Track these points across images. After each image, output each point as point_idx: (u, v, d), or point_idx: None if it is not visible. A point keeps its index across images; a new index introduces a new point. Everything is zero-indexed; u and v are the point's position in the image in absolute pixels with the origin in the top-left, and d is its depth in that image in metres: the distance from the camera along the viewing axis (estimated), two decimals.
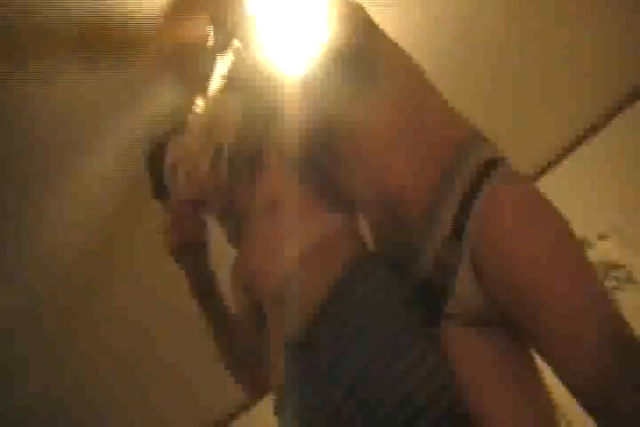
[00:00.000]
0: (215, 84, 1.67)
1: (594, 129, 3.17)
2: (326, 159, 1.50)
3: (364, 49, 1.41)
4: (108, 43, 1.83)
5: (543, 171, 3.26)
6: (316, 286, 1.31)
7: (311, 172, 1.54)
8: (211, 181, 1.58)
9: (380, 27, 1.52)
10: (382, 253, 1.41)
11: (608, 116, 3.14)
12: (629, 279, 2.89)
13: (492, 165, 1.28)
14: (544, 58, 2.70)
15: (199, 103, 1.69)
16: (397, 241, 1.35)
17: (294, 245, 1.40)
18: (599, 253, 2.98)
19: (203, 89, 1.70)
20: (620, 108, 3.13)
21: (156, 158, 1.68)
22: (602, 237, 2.99)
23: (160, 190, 1.68)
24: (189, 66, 1.78)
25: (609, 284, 2.91)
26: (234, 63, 1.65)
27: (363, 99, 1.40)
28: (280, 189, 1.52)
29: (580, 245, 1.20)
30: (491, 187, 1.23)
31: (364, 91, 1.39)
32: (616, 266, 2.93)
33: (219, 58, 1.67)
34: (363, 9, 1.51)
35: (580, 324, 1.08)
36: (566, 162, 3.22)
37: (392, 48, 1.49)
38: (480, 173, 1.25)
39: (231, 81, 1.64)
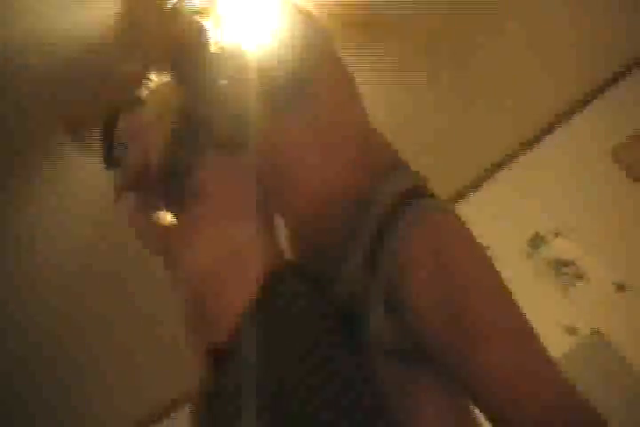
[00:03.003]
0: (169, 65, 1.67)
1: (549, 128, 3.22)
2: (260, 154, 1.47)
3: (300, 70, 1.38)
4: None
5: (499, 168, 3.29)
6: (232, 298, 1.27)
7: (243, 167, 1.52)
8: (156, 165, 1.57)
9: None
10: (302, 266, 1.35)
11: (562, 116, 3.19)
12: (580, 275, 2.94)
13: (411, 194, 1.21)
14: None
15: (153, 79, 1.68)
16: (316, 262, 1.31)
17: (211, 246, 1.38)
18: (552, 249, 3.04)
19: (158, 63, 1.69)
20: (574, 110, 3.18)
21: (109, 128, 1.66)
22: (555, 234, 3.04)
23: (110, 160, 1.67)
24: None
25: (561, 280, 2.97)
26: (189, 52, 1.65)
27: (282, 117, 1.37)
28: (206, 182, 1.51)
29: (499, 280, 1.12)
30: (407, 220, 1.15)
31: (288, 103, 1.36)
32: (567, 262, 2.98)
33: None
34: (317, 18, 1.50)
35: (501, 362, 1.04)
36: (522, 160, 3.27)
37: (337, 61, 1.43)
38: (396, 204, 1.18)
39: (183, 69, 1.62)
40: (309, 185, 1.31)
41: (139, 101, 1.66)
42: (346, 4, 2.06)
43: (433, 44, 2.48)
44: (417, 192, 1.23)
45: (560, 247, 3.03)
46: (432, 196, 1.27)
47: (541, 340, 1.07)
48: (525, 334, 1.08)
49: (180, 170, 1.58)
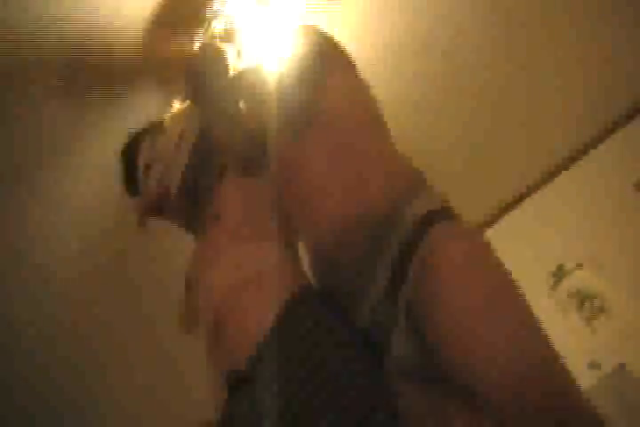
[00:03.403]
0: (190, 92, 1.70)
1: (572, 159, 3.21)
2: (280, 179, 1.47)
3: (309, 92, 1.39)
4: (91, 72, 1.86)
5: (522, 199, 3.28)
6: (252, 324, 1.27)
7: (264, 190, 1.52)
8: (177, 188, 1.59)
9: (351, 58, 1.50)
10: (325, 292, 1.35)
11: (586, 147, 3.18)
12: (603, 308, 2.90)
13: (433, 217, 1.21)
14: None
15: (175, 106, 1.71)
16: (339, 285, 1.31)
17: (232, 269, 1.38)
18: (575, 281, 3.00)
19: (181, 93, 1.72)
20: (597, 141, 3.16)
21: (130, 155, 1.68)
22: (578, 266, 3.01)
23: (132, 187, 1.68)
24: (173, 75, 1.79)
25: (584, 313, 2.93)
26: (207, 77, 1.68)
27: (300, 141, 1.38)
28: (226, 203, 1.52)
29: (524, 302, 1.13)
30: (431, 243, 1.16)
31: (302, 133, 1.38)
32: (591, 295, 2.94)
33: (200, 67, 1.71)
34: (331, 43, 1.50)
35: (522, 387, 1.03)
36: (544, 191, 3.25)
37: (348, 84, 1.45)
38: (420, 227, 1.19)
39: (201, 93, 1.65)
40: (334, 211, 1.30)
41: (160, 127, 1.69)
42: None
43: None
44: (439, 215, 1.23)
45: (583, 280, 2.99)
46: (454, 217, 1.27)
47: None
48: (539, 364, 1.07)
49: (200, 192, 1.60)
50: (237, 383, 1.23)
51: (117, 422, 3.16)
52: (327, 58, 1.46)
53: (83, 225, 2.33)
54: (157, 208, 1.62)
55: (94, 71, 1.89)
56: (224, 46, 1.78)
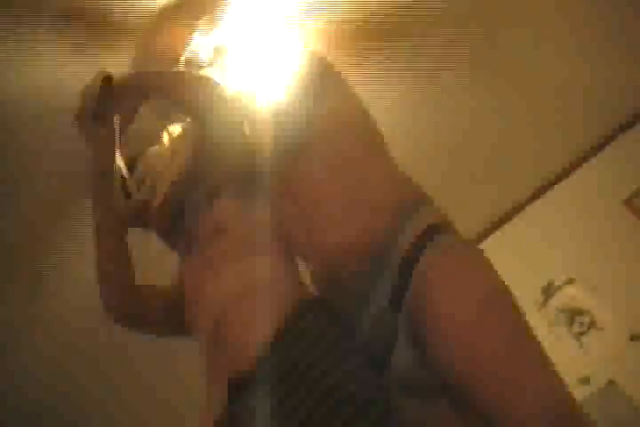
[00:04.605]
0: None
1: (562, 175, 3.23)
2: (279, 197, 1.49)
3: (309, 112, 1.43)
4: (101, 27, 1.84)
5: (512, 215, 3.29)
6: (257, 328, 1.28)
7: (261, 208, 1.54)
8: (160, 203, 1.61)
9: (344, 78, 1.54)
10: (324, 302, 1.38)
11: (575, 164, 3.21)
12: (593, 324, 2.91)
13: (433, 231, 1.25)
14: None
15: (174, 127, 1.74)
16: (340, 299, 1.33)
17: (233, 280, 1.40)
18: (566, 298, 3.01)
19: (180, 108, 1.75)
20: (588, 155, 3.19)
21: (129, 167, 1.71)
22: (568, 282, 3.02)
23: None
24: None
25: (574, 329, 2.93)
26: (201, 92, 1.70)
27: (308, 151, 1.41)
28: (225, 217, 1.54)
29: (520, 314, 1.17)
30: (430, 257, 1.20)
31: (310, 144, 1.41)
32: (581, 311, 2.95)
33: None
34: (329, 67, 1.54)
35: (518, 397, 1.06)
36: (534, 207, 3.27)
37: (346, 106, 1.49)
38: (419, 242, 1.23)
39: (195, 108, 1.67)
40: (336, 226, 1.33)
41: (156, 144, 1.72)
42: None
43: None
44: (438, 229, 1.27)
45: (574, 295, 3.00)
46: (451, 232, 1.31)
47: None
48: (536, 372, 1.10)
49: (186, 210, 1.61)
50: (240, 385, 1.23)
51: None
52: (326, 79, 1.51)
53: None
54: (140, 220, 1.65)
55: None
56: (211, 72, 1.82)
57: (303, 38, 2.01)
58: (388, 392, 1.19)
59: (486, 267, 1.23)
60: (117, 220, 1.61)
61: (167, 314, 1.60)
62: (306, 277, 1.47)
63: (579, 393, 2.74)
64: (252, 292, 1.35)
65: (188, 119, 1.75)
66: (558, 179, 3.23)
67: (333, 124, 1.43)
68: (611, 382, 2.79)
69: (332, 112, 1.45)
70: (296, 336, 1.24)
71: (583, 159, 3.19)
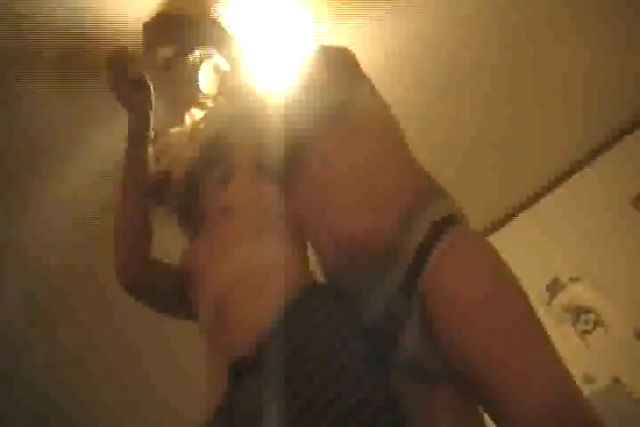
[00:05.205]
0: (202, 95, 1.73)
1: (570, 173, 3.23)
2: (294, 182, 1.50)
3: (337, 94, 1.46)
4: (86, 65, 1.87)
5: (519, 211, 3.29)
6: (260, 311, 1.28)
7: (276, 190, 1.54)
8: (178, 178, 1.62)
9: (366, 72, 1.57)
10: (334, 287, 1.39)
11: (583, 161, 3.19)
12: (599, 322, 2.90)
13: (447, 221, 1.29)
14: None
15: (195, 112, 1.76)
16: (350, 282, 1.34)
17: (240, 260, 1.40)
18: (571, 295, 3.01)
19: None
20: (596, 153, 3.18)
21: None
22: (574, 280, 3.01)
23: None
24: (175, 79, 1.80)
25: (579, 327, 2.93)
26: (218, 78, 1.72)
27: (326, 139, 1.43)
28: (236, 197, 1.54)
29: (529, 304, 1.20)
30: (444, 245, 1.23)
31: (329, 132, 1.43)
32: (586, 309, 2.94)
33: (201, 72, 1.74)
34: (351, 58, 1.56)
35: (524, 385, 1.08)
36: (541, 204, 3.27)
37: (366, 97, 1.52)
38: (435, 230, 1.26)
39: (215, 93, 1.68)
40: (351, 217, 1.34)
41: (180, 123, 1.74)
42: None
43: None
44: (452, 220, 1.30)
45: (579, 293, 3.00)
46: (465, 223, 1.35)
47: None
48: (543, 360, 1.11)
49: (201, 189, 1.62)
50: (242, 370, 1.23)
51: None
52: (355, 70, 1.55)
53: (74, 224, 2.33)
54: (157, 194, 1.66)
55: (91, 66, 1.90)
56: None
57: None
58: (390, 380, 1.21)
59: (497, 257, 1.26)
60: (145, 175, 1.64)
61: (175, 292, 1.60)
62: (315, 266, 1.47)
63: (584, 391, 2.74)
64: (255, 275, 1.35)
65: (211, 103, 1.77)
66: (566, 176, 3.23)
67: (363, 110, 1.47)
68: (616, 381, 2.78)
69: (362, 99, 1.49)
70: (296, 323, 1.24)
71: (591, 157, 3.19)
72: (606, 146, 3.17)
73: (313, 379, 1.14)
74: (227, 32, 1.83)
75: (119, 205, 1.60)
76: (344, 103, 1.45)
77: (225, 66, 1.80)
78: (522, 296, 1.20)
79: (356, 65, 1.57)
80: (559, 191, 3.23)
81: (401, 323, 1.23)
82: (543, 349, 1.14)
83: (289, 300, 1.27)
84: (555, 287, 3.04)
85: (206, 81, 1.77)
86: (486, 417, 1.18)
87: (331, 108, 1.44)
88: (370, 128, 1.45)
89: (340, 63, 1.54)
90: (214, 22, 1.75)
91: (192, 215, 1.61)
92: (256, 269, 1.37)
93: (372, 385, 1.15)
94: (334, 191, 1.38)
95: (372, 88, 1.56)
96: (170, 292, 1.59)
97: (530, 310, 1.19)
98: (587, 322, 2.93)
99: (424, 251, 1.23)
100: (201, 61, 1.76)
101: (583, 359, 2.85)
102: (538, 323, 1.17)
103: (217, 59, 1.82)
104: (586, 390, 2.74)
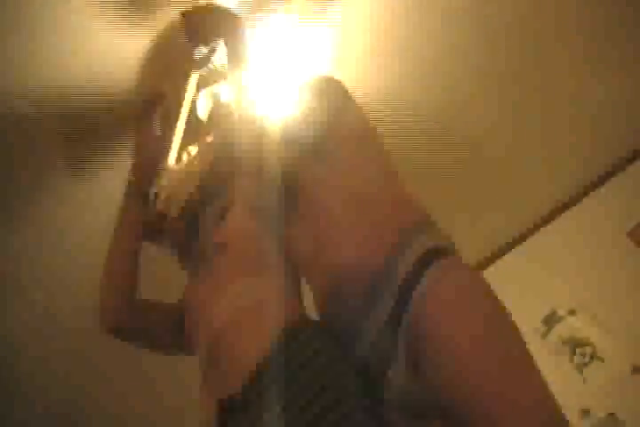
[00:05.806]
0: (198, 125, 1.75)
1: (566, 206, 3.24)
2: (287, 215, 1.51)
3: (324, 126, 1.45)
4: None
5: (515, 244, 3.30)
6: (252, 348, 1.29)
7: (270, 224, 1.55)
8: (178, 218, 1.63)
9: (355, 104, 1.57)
10: (325, 323, 1.38)
11: (580, 194, 3.21)
12: (595, 356, 2.89)
13: (435, 254, 1.26)
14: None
15: (192, 148, 1.77)
16: (339, 317, 1.33)
17: (233, 297, 1.41)
18: (568, 328, 3.00)
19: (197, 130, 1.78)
20: (593, 186, 3.20)
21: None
22: (571, 313, 3.01)
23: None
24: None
25: (576, 360, 2.92)
26: (211, 107, 1.73)
27: (315, 171, 1.43)
28: (233, 233, 1.54)
29: (520, 338, 1.17)
30: (431, 279, 1.20)
31: (317, 164, 1.43)
32: (582, 343, 2.93)
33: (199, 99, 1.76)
34: (337, 87, 1.57)
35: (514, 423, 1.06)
36: (538, 236, 3.27)
37: (356, 125, 1.52)
38: (420, 263, 1.23)
39: (208, 124, 1.69)
40: (343, 248, 1.33)
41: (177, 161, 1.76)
42: None
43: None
44: (439, 252, 1.27)
45: (576, 326, 2.99)
46: (453, 254, 1.32)
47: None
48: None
49: (200, 224, 1.63)
50: (232, 410, 1.23)
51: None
52: (340, 97, 1.54)
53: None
54: (154, 233, 1.66)
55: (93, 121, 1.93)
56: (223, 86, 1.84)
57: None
58: (382, 415, 1.20)
59: (486, 290, 1.23)
60: (139, 225, 1.63)
61: (167, 330, 1.60)
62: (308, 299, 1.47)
63: (579, 425, 2.72)
64: (246, 314, 1.37)
65: (207, 140, 1.78)
66: (563, 209, 3.24)
67: (348, 140, 1.46)
68: (611, 415, 2.76)
69: (346, 128, 1.47)
70: (296, 350, 1.25)
71: (588, 190, 3.20)
72: (603, 179, 3.18)
73: (304, 416, 1.14)
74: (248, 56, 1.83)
75: (112, 250, 1.61)
76: (329, 132, 1.45)
77: (225, 95, 1.80)
78: (510, 331, 1.17)
79: (343, 93, 1.56)
80: (556, 224, 3.24)
81: (388, 359, 1.21)
82: (534, 388, 1.10)
83: (278, 338, 1.27)
84: (551, 320, 3.04)
85: (203, 108, 1.79)
86: None
87: (315, 139, 1.44)
88: (357, 161, 1.44)
89: (324, 93, 1.54)
90: (244, 42, 1.71)
91: (192, 251, 1.62)
92: (248, 307, 1.37)
93: (364, 422, 1.15)
94: (325, 224, 1.38)
95: (359, 115, 1.56)
96: (162, 332, 1.60)
97: (520, 345, 1.16)
98: (583, 355, 2.92)
99: (409, 286, 1.21)
100: (198, 88, 1.78)
101: (579, 393, 2.83)
102: (528, 361, 1.14)
103: (217, 87, 1.83)
104: (581, 424, 2.72)
